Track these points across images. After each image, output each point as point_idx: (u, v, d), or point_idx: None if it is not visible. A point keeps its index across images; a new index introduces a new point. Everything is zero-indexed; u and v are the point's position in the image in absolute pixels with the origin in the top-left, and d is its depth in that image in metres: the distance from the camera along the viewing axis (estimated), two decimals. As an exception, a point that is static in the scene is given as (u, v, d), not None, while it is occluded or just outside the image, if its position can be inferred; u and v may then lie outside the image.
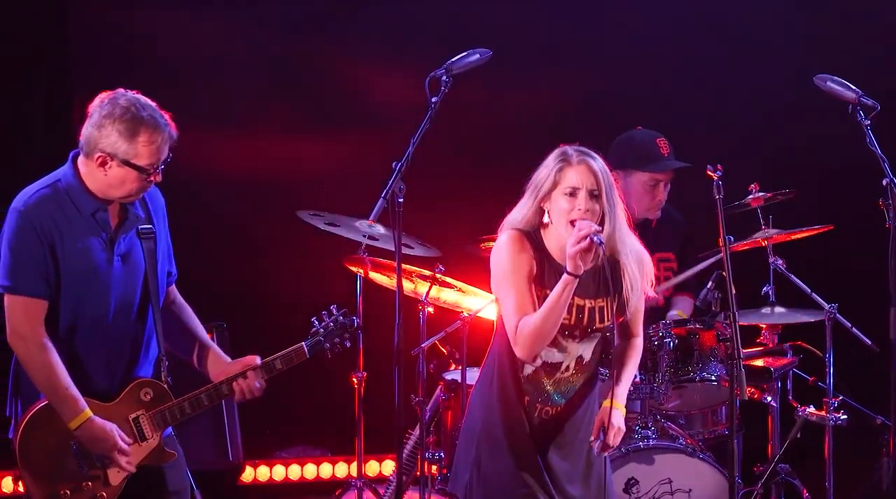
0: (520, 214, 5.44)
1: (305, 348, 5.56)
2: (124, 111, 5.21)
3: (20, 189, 5.38)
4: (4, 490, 8.23)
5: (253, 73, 8.63)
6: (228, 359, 5.51)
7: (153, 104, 5.28)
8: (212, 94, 8.50)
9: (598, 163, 5.38)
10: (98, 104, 5.26)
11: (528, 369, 5.40)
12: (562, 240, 5.34)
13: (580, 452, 5.47)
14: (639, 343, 5.59)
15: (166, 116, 5.28)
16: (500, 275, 5.40)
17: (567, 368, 5.41)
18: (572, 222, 5.32)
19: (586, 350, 5.43)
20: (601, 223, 5.34)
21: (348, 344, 5.68)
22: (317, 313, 5.62)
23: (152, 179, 5.28)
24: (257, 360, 5.48)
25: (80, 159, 5.29)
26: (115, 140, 5.20)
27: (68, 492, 5.28)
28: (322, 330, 5.60)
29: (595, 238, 5.23)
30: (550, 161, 5.39)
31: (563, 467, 5.42)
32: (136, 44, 8.46)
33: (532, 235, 5.41)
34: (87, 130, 5.25)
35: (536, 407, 5.42)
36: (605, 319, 5.43)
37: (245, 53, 8.61)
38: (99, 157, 5.22)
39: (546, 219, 5.40)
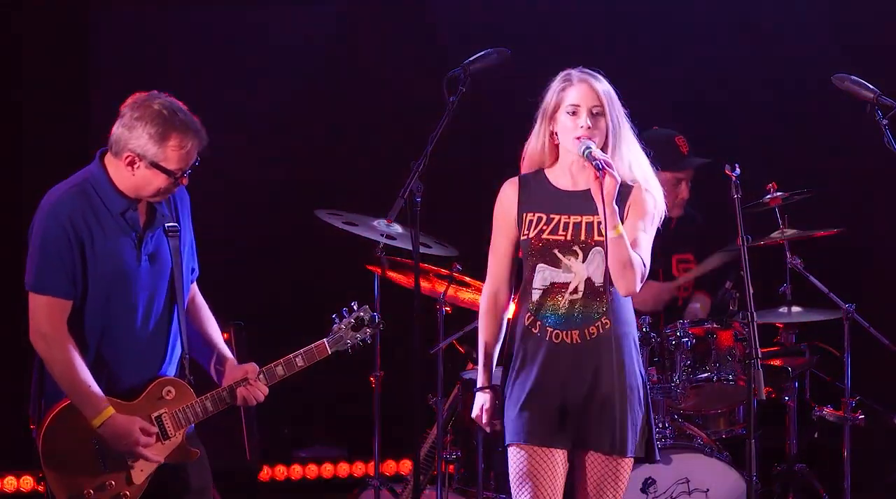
0: (534, 142, 5.46)
1: (327, 345, 5.55)
2: (156, 114, 5.19)
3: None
4: (23, 488, 8.26)
5: (271, 72, 8.65)
6: (235, 363, 5.50)
7: (185, 108, 5.27)
8: (229, 94, 8.52)
9: (600, 82, 5.43)
10: (130, 105, 5.24)
11: (536, 294, 5.36)
12: (569, 160, 5.36)
13: (602, 388, 5.32)
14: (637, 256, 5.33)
15: (198, 121, 5.27)
16: (493, 226, 5.51)
17: (576, 290, 5.33)
18: (578, 139, 5.33)
19: (594, 271, 5.33)
20: (605, 140, 5.34)
21: (370, 340, 5.67)
22: (336, 311, 5.62)
23: (180, 182, 5.29)
24: (256, 368, 5.46)
25: (108, 158, 5.28)
26: (145, 142, 5.19)
27: (91, 491, 5.28)
28: (343, 326, 5.59)
29: (584, 150, 5.25)
30: (554, 83, 5.45)
31: (575, 395, 5.31)
32: (154, 43, 8.49)
33: (531, 176, 5.43)
34: (117, 130, 5.24)
35: (547, 331, 5.34)
36: (602, 233, 5.32)
37: (263, 53, 8.63)
38: (128, 156, 5.21)
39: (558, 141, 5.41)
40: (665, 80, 8.63)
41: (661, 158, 7.29)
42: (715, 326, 6.88)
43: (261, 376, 5.44)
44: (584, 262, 5.34)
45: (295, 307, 8.59)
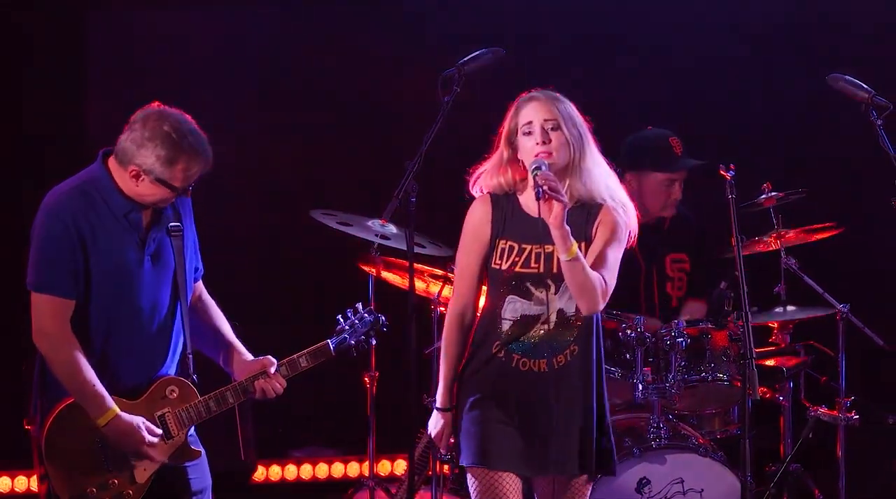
0: (497, 170, 5.37)
1: (331, 346, 5.55)
2: (166, 137, 5.18)
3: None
4: (18, 489, 8.25)
5: (266, 73, 8.64)
6: (251, 356, 5.51)
7: (195, 127, 5.25)
8: (224, 95, 8.51)
9: (553, 97, 5.32)
10: (141, 119, 5.23)
11: (506, 324, 5.31)
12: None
13: (566, 414, 5.30)
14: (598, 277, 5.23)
15: (206, 141, 5.25)
16: (460, 243, 5.43)
17: (548, 321, 5.27)
18: (537, 157, 5.26)
19: (566, 304, 5.29)
20: (567, 154, 5.26)
21: (374, 342, 5.66)
22: (331, 311, 5.61)
23: (184, 195, 5.31)
24: (273, 361, 5.49)
25: (113, 163, 5.27)
26: (153, 162, 5.19)
27: (94, 490, 5.29)
28: (347, 328, 5.58)
29: (533, 170, 5.17)
30: (510, 111, 5.38)
31: (541, 422, 5.27)
32: (150, 45, 8.48)
33: (503, 197, 5.36)
34: (125, 142, 5.23)
35: (514, 358, 5.30)
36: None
37: (258, 53, 8.63)
38: (133, 170, 5.22)
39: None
40: (658, 80, 8.63)
41: (655, 158, 7.33)
42: (710, 326, 6.88)
43: (281, 368, 5.47)
44: (556, 294, 5.30)
45: (290, 307, 8.59)
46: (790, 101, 8.58)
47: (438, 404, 5.45)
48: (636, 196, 7.28)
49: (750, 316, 5.68)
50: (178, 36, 8.56)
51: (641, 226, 7.23)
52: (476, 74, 5.86)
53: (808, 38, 8.54)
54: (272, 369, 5.46)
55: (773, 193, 7.05)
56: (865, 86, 6.07)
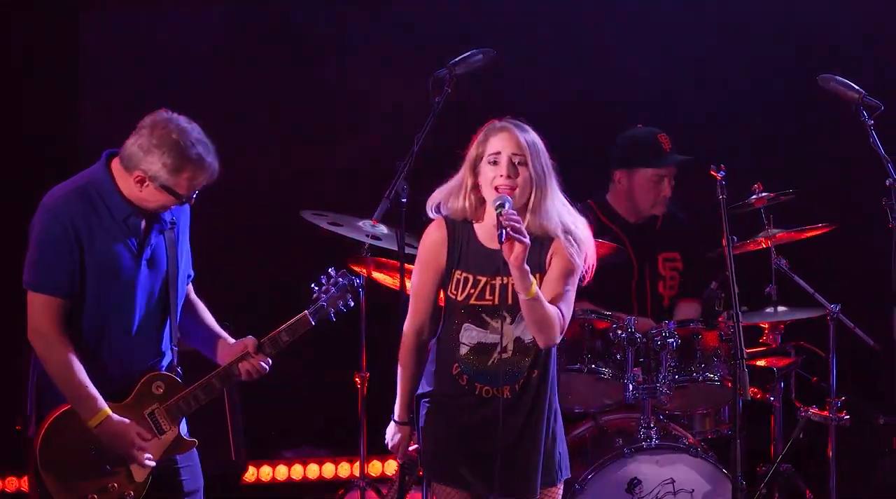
0: (456, 195, 5.34)
1: (309, 316, 5.53)
2: (174, 145, 5.16)
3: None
4: (8, 489, 8.24)
5: (259, 72, 8.64)
6: (232, 340, 5.51)
7: (203, 137, 5.23)
8: (217, 94, 8.51)
9: (524, 131, 5.30)
10: (150, 125, 5.21)
11: (464, 349, 5.33)
12: (494, 216, 5.21)
13: (527, 436, 5.33)
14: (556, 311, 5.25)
15: (213, 151, 5.24)
16: (415, 265, 5.42)
17: (505, 350, 5.29)
18: (497, 189, 5.25)
19: (523, 331, 5.30)
20: (529, 191, 5.25)
21: (352, 304, 5.62)
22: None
23: (188, 202, 5.31)
24: (254, 340, 5.47)
25: (117, 166, 5.26)
26: (159, 169, 5.18)
27: (96, 496, 5.28)
28: (323, 295, 5.56)
29: (497, 207, 5.15)
30: (479, 135, 5.35)
31: (499, 446, 5.26)
32: (144, 44, 8.48)
33: (459, 224, 5.35)
34: (132, 148, 5.21)
35: (476, 386, 5.33)
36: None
37: (251, 53, 8.62)
38: (138, 175, 5.21)
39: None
40: (649, 80, 8.63)
41: (644, 155, 7.35)
42: (700, 326, 6.88)
43: (263, 346, 5.47)
44: (511, 324, 5.32)
45: (283, 308, 8.55)
46: (790, 101, 8.58)
47: (396, 418, 5.49)
48: (627, 194, 7.31)
49: (741, 316, 5.68)
50: (174, 36, 8.56)
51: (633, 225, 7.33)
52: (467, 75, 5.86)
53: (808, 38, 8.54)
54: (253, 350, 5.45)
55: (763, 194, 7.05)
56: (856, 86, 6.07)
